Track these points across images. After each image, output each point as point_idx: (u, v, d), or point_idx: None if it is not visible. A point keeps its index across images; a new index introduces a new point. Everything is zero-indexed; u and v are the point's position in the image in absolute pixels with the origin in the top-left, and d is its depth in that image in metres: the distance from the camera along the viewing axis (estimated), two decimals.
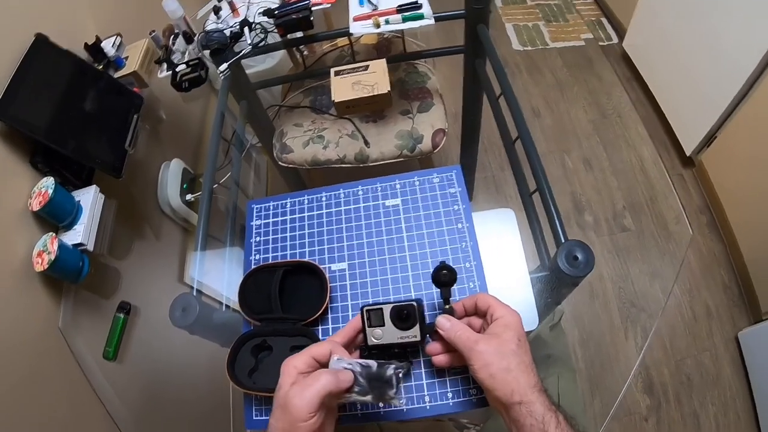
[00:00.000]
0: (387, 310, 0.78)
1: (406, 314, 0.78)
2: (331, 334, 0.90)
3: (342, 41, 1.75)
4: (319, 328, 0.91)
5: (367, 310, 0.79)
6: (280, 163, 1.55)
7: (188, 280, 1.51)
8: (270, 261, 0.98)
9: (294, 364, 0.68)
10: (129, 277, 1.36)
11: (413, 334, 0.78)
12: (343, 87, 1.29)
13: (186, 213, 1.56)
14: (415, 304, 0.78)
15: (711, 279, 2.09)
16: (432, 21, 1.26)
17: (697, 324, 2.00)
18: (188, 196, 1.56)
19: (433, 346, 0.79)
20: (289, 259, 0.96)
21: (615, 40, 2.77)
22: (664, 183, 2.27)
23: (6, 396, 1.00)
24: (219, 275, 1.14)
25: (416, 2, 1.27)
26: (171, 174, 1.54)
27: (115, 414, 1.17)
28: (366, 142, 1.46)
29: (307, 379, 0.65)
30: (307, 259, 0.96)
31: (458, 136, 1.79)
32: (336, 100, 1.28)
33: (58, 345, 1.15)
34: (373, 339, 0.78)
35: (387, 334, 0.78)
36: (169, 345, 1.31)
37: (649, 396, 1.89)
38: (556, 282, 0.94)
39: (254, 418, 0.87)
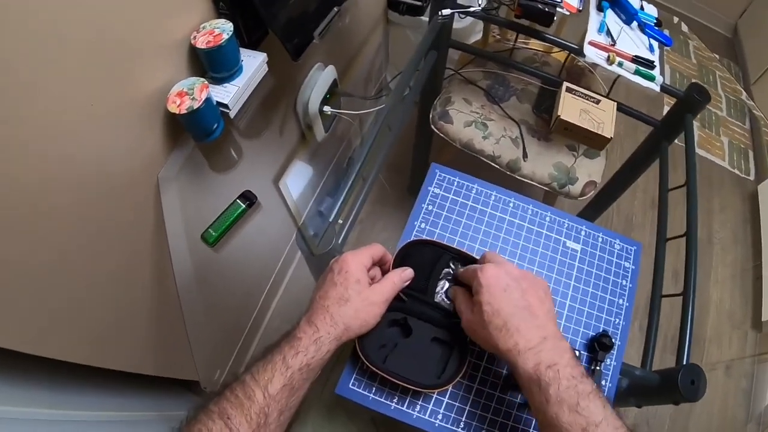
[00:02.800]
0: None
1: None
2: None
3: (537, 44, 1.67)
4: None
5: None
6: (432, 126, 1.48)
7: (282, 186, 1.45)
8: (435, 238, 0.91)
9: (363, 263, 0.76)
10: (246, 162, 1.28)
11: None
12: (572, 108, 1.22)
13: (314, 119, 1.49)
14: (577, 352, 0.84)
15: None
16: (657, 88, 1.20)
17: None
18: (326, 108, 1.49)
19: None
20: (465, 251, 0.88)
21: (752, 176, 2.68)
22: (727, 333, 2.20)
23: (73, 222, 0.92)
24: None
25: (652, 62, 1.20)
26: (323, 77, 1.47)
27: (180, 277, 1.12)
28: (525, 155, 1.39)
29: (384, 280, 0.77)
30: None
31: None
32: (561, 117, 1.20)
33: (148, 192, 1.08)
34: None
35: None
36: (253, 245, 1.26)
37: None
38: (660, 391, 0.90)
39: (350, 386, 0.80)
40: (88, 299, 1.01)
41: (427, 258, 0.85)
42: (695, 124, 2.73)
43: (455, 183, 0.98)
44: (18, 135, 0.74)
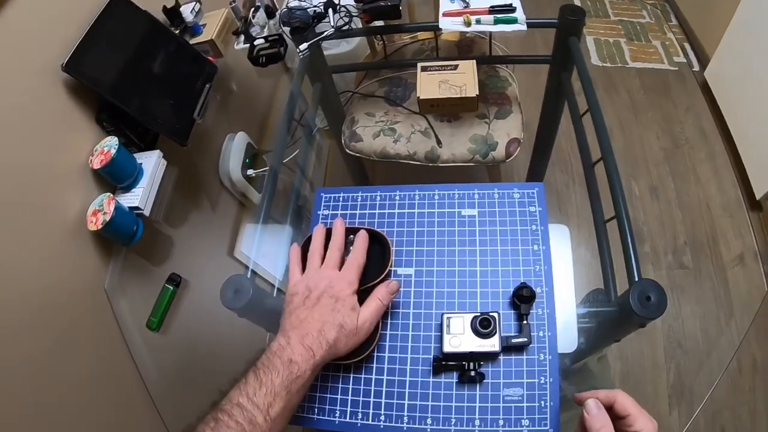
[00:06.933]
0: (468, 318, 0.81)
1: (488, 324, 0.80)
2: (390, 303, 0.88)
3: (423, 35, 1.70)
4: None
5: (447, 317, 0.82)
6: (347, 150, 1.52)
7: (238, 254, 1.50)
8: None
9: (355, 285, 0.81)
10: (180, 246, 1.34)
11: (491, 344, 0.80)
12: (430, 84, 1.25)
13: (244, 187, 1.55)
14: (496, 314, 0.81)
15: (762, 332, 1.99)
16: (524, 27, 1.20)
17: (741, 376, 1.90)
18: (249, 171, 1.54)
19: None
20: (356, 224, 0.95)
21: (696, 67, 2.66)
22: (730, 226, 2.17)
23: (45, 350, 0.99)
24: (273, 257, 1.11)
25: (510, 5, 1.21)
26: (235, 147, 1.52)
27: (147, 377, 1.18)
28: (438, 142, 1.41)
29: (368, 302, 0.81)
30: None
31: (528, 148, 1.72)
32: (421, 97, 1.23)
33: (101, 305, 1.14)
34: (450, 346, 0.80)
35: (465, 342, 0.80)
36: (212, 320, 1.30)
37: None
38: (622, 319, 0.89)
39: (296, 413, 0.83)
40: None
41: (326, 244, 0.90)
42: (623, 41, 2.75)
43: (341, 199, 1.01)
44: None
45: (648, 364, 1.89)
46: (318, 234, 0.90)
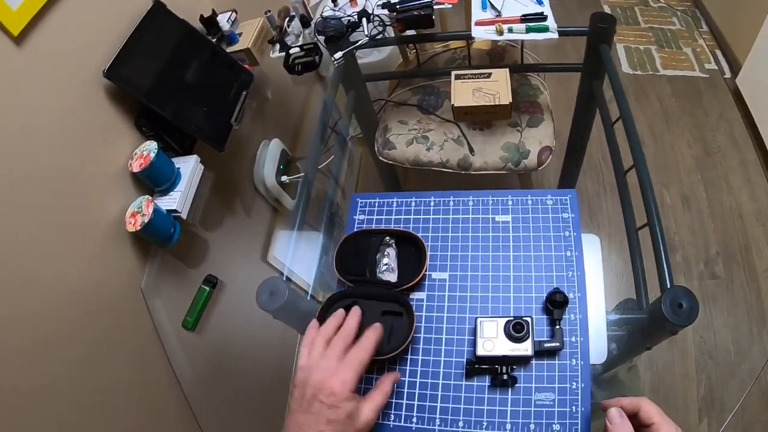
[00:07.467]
0: (501, 323, 0.83)
1: (521, 328, 0.81)
2: (425, 308, 0.92)
3: (455, 43, 1.72)
4: (413, 296, 0.92)
5: (481, 321, 0.83)
6: (380, 158, 1.54)
7: (271, 259, 1.52)
8: None
9: (351, 388, 0.72)
10: (215, 249, 1.38)
11: (524, 348, 0.81)
12: (464, 92, 1.26)
13: (279, 193, 1.57)
14: (529, 319, 0.82)
15: None
16: (556, 35, 1.22)
17: None
18: (283, 178, 1.57)
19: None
20: (392, 227, 0.98)
21: (728, 74, 2.64)
22: (762, 235, 2.13)
23: (85, 348, 1.03)
24: (306, 262, 1.13)
25: (542, 13, 1.23)
26: (270, 153, 1.55)
27: (182, 376, 1.21)
28: (471, 150, 1.43)
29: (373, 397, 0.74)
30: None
31: (559, 155, 1.73)
32: (455, 105, 1.25)
33: (137, 305, 1.17)
34: (483, 350, 0.82)
35: (498, 346, 0.81)
36: (245, 322, 1.33)
37: None
38: (653, 326, 0.89)
39: None
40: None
41: (363, 244, 0.94)
42: (653, 48, 2.73)
43: (376, 204, 1.03)
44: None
45: (679, 375, 1.87)
46: (334, 319, 0.83)
